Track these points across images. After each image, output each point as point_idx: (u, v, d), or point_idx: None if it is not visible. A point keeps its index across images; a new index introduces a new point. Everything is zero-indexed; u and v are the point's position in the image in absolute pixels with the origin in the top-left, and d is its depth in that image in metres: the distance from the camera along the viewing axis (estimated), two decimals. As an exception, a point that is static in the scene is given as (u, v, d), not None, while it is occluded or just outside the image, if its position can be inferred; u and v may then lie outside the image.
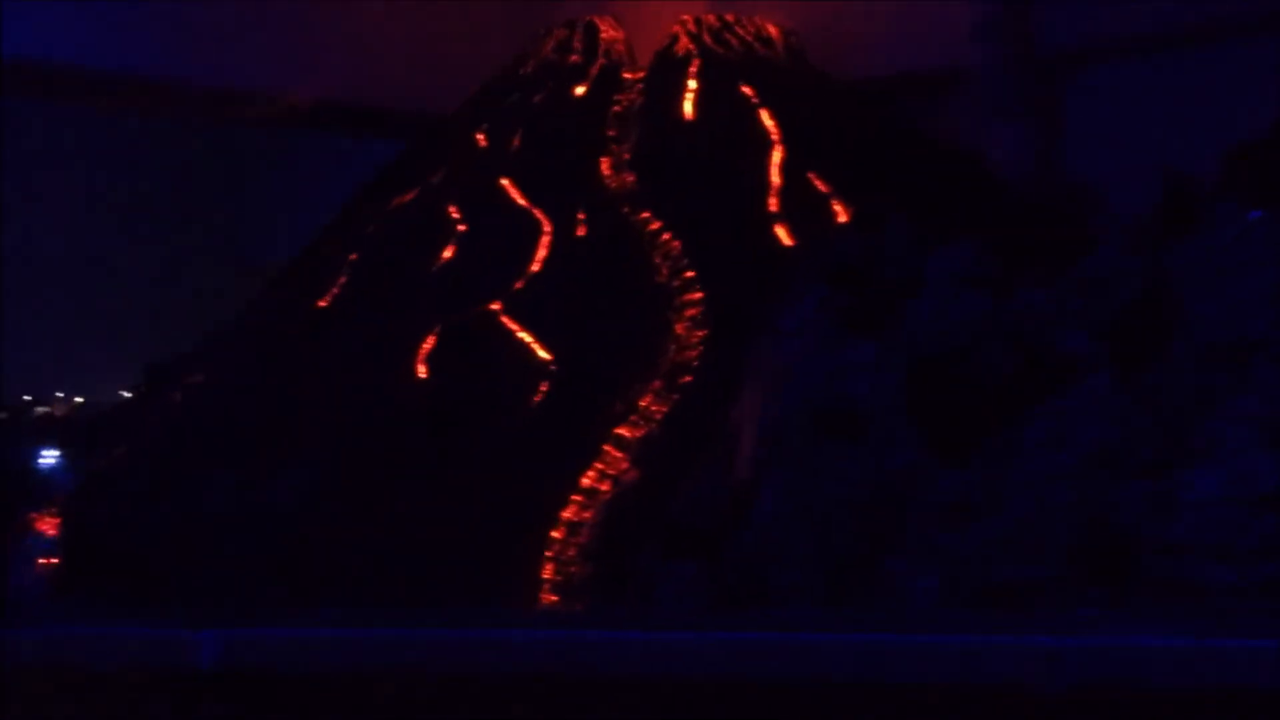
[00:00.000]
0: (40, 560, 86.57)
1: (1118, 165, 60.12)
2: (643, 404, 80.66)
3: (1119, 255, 53.27)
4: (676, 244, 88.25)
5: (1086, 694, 31.47)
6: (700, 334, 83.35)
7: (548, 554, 75.72)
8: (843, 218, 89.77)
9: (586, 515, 77.02)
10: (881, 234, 61.49)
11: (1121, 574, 46.63)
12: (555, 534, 76.52)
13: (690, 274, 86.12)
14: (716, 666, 33.46)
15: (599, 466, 77.83)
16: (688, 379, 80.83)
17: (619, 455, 78.24)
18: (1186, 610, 43.62)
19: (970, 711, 32.73)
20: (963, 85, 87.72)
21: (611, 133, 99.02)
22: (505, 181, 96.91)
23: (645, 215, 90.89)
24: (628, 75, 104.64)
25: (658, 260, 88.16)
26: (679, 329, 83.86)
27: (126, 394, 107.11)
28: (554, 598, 72.99)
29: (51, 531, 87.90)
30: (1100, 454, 48.93)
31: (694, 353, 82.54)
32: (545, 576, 75.12)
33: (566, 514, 77.21)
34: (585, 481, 78.32)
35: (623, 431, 79.01)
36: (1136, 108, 65.59)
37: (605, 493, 77.58)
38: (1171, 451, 47.86)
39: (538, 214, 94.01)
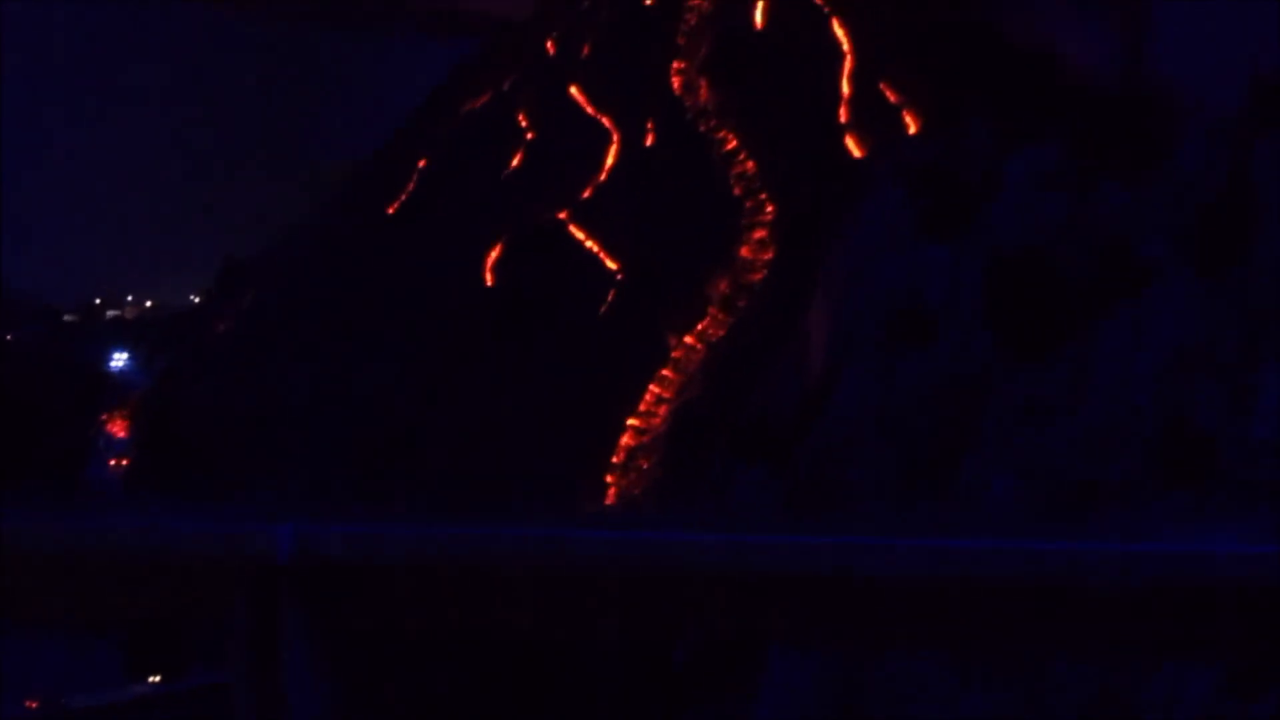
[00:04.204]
0: (113, 460, 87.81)
1: (1202, 66, 58.92)
2: (701, 326, 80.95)
3: (1201, 156, 52.73)
4: (751, 164, 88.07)
5: (1159, 595, 31.48)
6: (767, 255, 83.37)
7: (614, 458, 76.29)
8: (914, 128, 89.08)
9: (653, 421, 77.46)
10: (959, 136, 61.01)
11: (1199, 475, 46.46)
12: (623, 438, 77.07)
13: (763, 195, 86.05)
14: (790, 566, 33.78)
15: (655, 390, 78.26)
16: (744, 302, 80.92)
17: (675, 377, 78.65)
18: (1262, 512, 43.42)
19: (1040, 608, 32.85)
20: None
21: (682, 41, 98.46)
22: (575, 89, 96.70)
23: (722, 134, 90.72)
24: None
25: (732, 179, 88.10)
26: (745, 252, 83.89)
27: (196, 297, 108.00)
28: (621, 498, 73.51)
29: (123, 433, 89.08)
30: (1179, 355, 48.68)
31: (759, 275, 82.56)
32: (611, 479, 75.69)
33: (632, 420, 77.71)
34: (652, 389, 78.76)
35: (679, 355, 79.44)
36: (1222, 8, 63.82)
37: (670, 401, 77.97)
38: (1251, 352, 47.54)
39: (606, 122, 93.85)
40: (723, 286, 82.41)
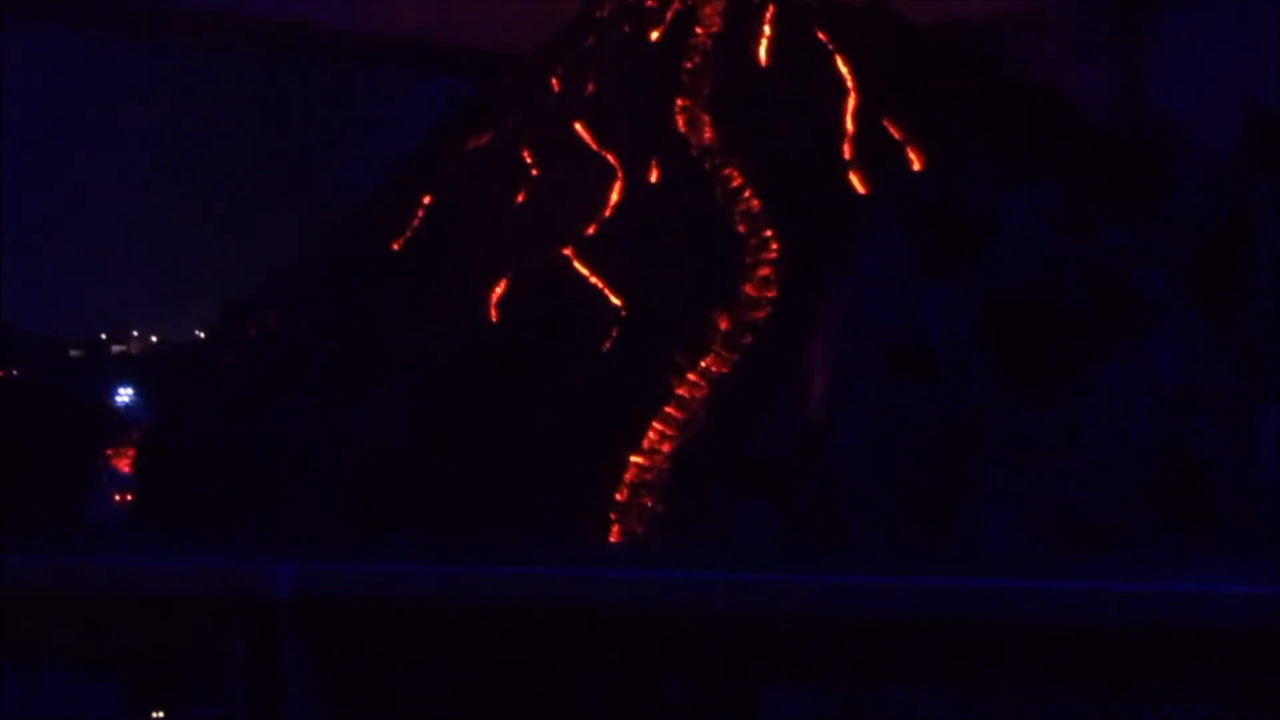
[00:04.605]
0: (117, 495, 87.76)
1: (1201, 103, 59.21)
2: (705, 363, 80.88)
3: (1201, 194, 52.78)
4: (755, 201, 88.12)
5: (1159, 635, 31.45)
6: (771, 293, 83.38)
7: (618, 495, 76.18)
8: (917, 165, 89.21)
9: (657, 459, 77.37)
10: (959, 174, 61.10)
11: (1199, 514, 46.39)
12: (626, 476, 76.96)
13: (767, 232, 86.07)
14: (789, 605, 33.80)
15: (659, 427, 78.14)
16: (748, 339, 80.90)
17: (679, 414, 78.53)
18: (1262, 552, 43.33)
19: (1045, 653, 32.86)
20: (1046, 24, 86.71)
21: (686, 78, 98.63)
22: (579, 125, 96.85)
23: (726, 171, 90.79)
24: (701, 25, 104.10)
25: (736, 216, 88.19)
26: (749, 289, 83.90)
27: (201, 333, 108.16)
28: (624, 536, 73.44)
29: (127, 468, 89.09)
30: (1179, 394, 48.65)
31: (763, 311, 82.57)
32: (614, 517, 75.57)
33: (636, 457, 77.61)
34: (655, 426, 78.68)
35: (683, 392, 79.34)
36: (1220, 45, 64.23)
37: (674, 438, 77.91)
38: (1251, 391, 47.51)
39: (610, 158, 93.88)
40: (726, 323, 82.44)
